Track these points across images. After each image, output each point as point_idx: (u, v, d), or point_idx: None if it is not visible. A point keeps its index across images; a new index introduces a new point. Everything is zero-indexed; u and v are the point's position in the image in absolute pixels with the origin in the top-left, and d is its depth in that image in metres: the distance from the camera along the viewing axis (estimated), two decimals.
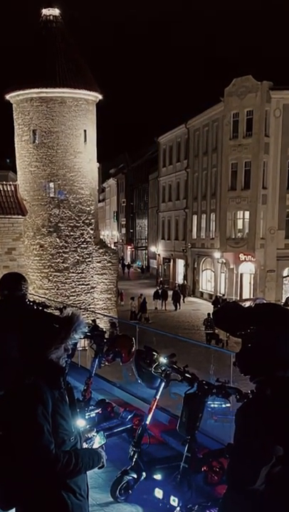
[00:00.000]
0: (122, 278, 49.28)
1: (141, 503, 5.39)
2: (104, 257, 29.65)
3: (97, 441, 3.31)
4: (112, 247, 48.34)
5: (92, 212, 29.08)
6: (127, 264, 64.98)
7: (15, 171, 32.07)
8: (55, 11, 28.06)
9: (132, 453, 5.55)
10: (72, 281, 28.38)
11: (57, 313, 4.35)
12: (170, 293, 39.01)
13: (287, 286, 36.90)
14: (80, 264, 28.51)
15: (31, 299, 8.09)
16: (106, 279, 29.65)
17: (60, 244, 28.17)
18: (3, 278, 4.87)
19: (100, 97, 28.86)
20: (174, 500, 4.86)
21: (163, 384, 5.66)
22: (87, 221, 28.72)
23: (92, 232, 29.06)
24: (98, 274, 29.32)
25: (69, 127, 27.62)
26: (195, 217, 43.98)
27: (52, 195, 27.97)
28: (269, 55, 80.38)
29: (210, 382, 5.30)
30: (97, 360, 7.12)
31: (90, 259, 28.89)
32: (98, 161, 32.57)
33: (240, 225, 36.81)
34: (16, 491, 2.78)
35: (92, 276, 29.04)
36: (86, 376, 7.28)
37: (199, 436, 5.57)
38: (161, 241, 52.37)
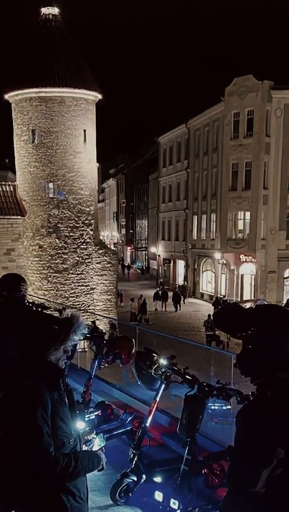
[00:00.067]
0: (122, 279, 49.34)
1: (141, 506, 5.37)
2: (104, 257, 29.59)
3: (97, 443, 3.31)
4: (112, 247, 48.29)
5: (91, 212, 29.03)
6: (126, 265, 64.80)
7: (14, 171, 32.05)
8: (55, 10, 28.01)
9: (131, 455, 5.53)
10: (72, 282, 28.32)
11: (56, 314, 4.33)
12: (170, 294, 38.99)
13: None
14: (80, 265, 28.45)
15: (30, 300, 8.09)
16: (106, 280, 29.59)
17: (60, 245, 28.11)
18: (3, 279, 4.86)
19: (100, 96, 28.80)
20: (174, 503, 4.83)
21: (163, 386, 5.65)
22: (86, 222, 28.66)
23: (91, 232, 29.01)
24: (98, 275, 29.27)
25: (68, 127, 27.55)
26: (195, 217, 43.92)
27: (51, 195, 27.89)
28: (269, 55, 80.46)
29: (210, 384, 5.27)
30: (96, 361, 7.10)
31: (89, 260, 28.84)
32: (98, 161, 32.50)
33: (240, 226, 36.76)
34: (15, 494, 2.77)
35: (91, 277, 28.99)
36: (86, 378, 7.26)
37: (200, 439, 5.54)
38: (162, 242, 52.30)
